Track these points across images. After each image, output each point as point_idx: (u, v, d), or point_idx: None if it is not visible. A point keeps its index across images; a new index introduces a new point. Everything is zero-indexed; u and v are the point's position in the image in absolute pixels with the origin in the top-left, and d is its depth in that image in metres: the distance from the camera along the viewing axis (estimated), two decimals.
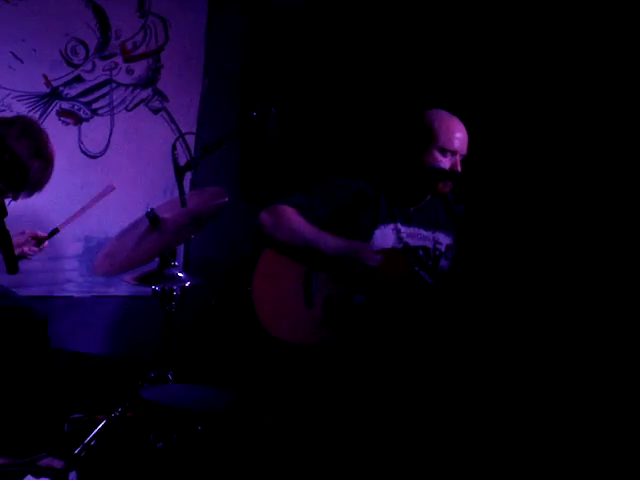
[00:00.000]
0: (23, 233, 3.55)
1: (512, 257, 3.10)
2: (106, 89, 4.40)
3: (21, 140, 3.22)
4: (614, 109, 3.45)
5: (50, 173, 3.34)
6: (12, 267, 2.19)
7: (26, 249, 3.53)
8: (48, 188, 4.17)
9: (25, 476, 3.02)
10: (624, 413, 2.95)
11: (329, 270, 3.25)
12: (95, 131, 4.40)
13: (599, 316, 3.03)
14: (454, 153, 3.25)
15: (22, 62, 4.11)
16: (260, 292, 3.33)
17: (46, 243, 3.65)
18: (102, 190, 3.71)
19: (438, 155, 3.24)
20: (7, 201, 3.63)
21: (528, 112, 3.75)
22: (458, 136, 3.26)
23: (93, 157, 4.40)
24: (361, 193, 3.34)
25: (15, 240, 3.16)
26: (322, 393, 3.16)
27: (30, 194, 3.36)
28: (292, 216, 3.29)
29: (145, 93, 4.53)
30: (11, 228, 2.96)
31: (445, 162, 3.24)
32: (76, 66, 4.28)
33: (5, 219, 2.94)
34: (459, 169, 3.26)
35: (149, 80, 4.53)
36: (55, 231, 3.65)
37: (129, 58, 4.45)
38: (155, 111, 4.57)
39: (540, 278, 3.06)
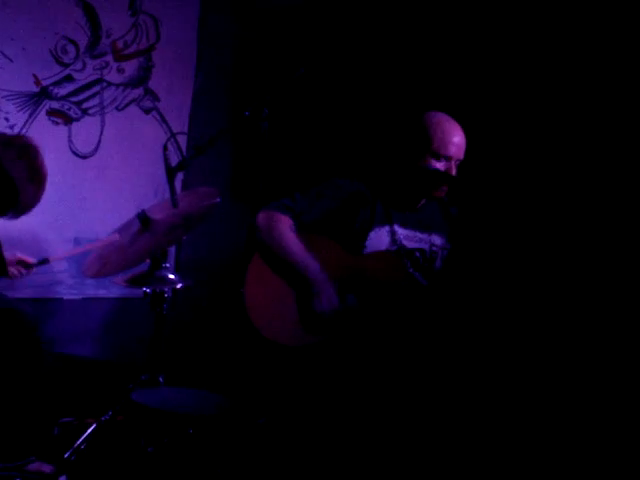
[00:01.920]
0: (14, 254, 3.51)
1: (506, 257, 3.09)
2: (97, 88, 4.37)
3: (17, 163, 3.17)
4: (613, 110, 3.45)
5: (40, 197, 3.29)
6: (1, 269, 2.16)
7: (13, 269, 3.52)
8: None
9: None
10: (624, 413, 2.95)
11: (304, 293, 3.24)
12: (85, 131, 4.37)
13: (596, 313, 3.04)
14: (449, 159, 3.23)
15: (11, 61, 4.08)
16: (252, 294, 3.32)
17: (34, 269, 3.62)
18: (105, 238, 3.66)
19: (432, 160, 3.23)
20: None
21: (524, 112, 3.74)
22: (454, 141, 3.24)
23: (83, 157, 4.37)
24: (358, 194, 3.34)
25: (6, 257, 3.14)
26: (314, 395, 3.15)
27: (16, 217, 3.31)
28: (286, 230, 3.30)
29: (136, 92, 4.50)
30: (3, 228, 2.94)
31: (439, 166, 3.23)
32: (66, 65, 4.25)
33: None
34: (454, 173, 3.25)
35: (140, 79, 4.50)
36: (45, 261, 3.64)
37: (120, 57, 4.42)
38: (146, 111, 4.54)
39: (535, 278, 3.05)
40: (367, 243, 3.30)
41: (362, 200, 3.34)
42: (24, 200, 3.19)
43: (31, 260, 3.58)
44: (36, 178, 3.20)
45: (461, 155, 3.27)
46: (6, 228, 3.51)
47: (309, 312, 3.20)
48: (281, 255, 3.28)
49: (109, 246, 3.42)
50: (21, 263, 3.54)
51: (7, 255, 3.40)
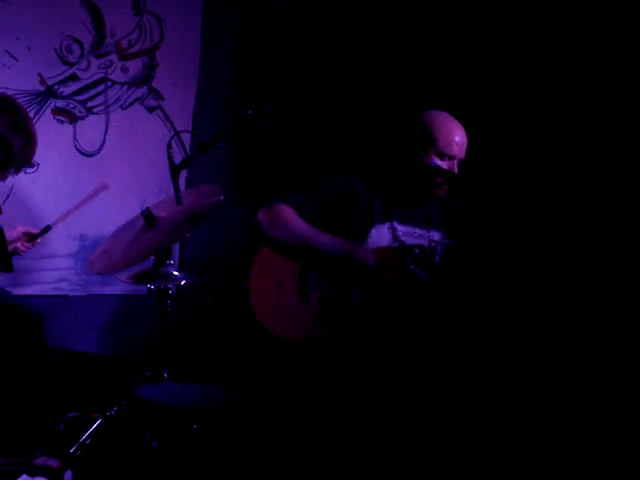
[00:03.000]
0: (15, 229, 3.54)
1: (506, 254, 3.10)
2: (101, 87, 4.39)
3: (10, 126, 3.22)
4: (612, 110, 3.46)
5: (35, 147, 3.34)
6: (7, 265, 2.18)
7: (19, 245, 3.53)
8: (44, 186, 4.21)
9: (20, 475, 3.02)
10: (624, 413, 2.96)
11: (327, 269, 3.24)
12: (90, 129, 4.40)
13: (595, 309, 3.04)
14: (452, 158, 3.25)
15: (17, 60, 4.11)
16: (256, 289, 3.34)
17: (39, 240, 3.64)
18: (95, 188, 3.71)
19: (435, 159, 3.24)
20: (1, 200, 3.64)
21: (523, 111, 3.75)
22: (457, 140, 3.25)
23: (88, 155, 4.40)
24: (358, 192, 3.34)
25: (7, 236, 3.16)
26: (318, 390, 3.17)
27: (18, 170, 3.35)
28: (290, 216, 3.28)
29: (140, 91, 4.52)
30: (5, 226, 2.96)
31: (442, 165, 3.24)
32: (71, 64, 4.28)
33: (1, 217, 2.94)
34: (456, 172, 3.27)
35: (144, 78, 4.52)
36: (47, 228, 3.65)
37: (124, 56, 4.44)
38: (150, 109, 4.56)
39: (534, 275, 3.07)
40: (369, 240, 3.30)
41: (361, 198, 3.34)
42: (19, 152, 3.23)
43: (34, 230, 3.60)
44: (22, 127, 3.25)
45: (462, 154, 3.28)
46: (12, 225, 3.55)
47: (325, 296, 3.21)
48: (291, 238, 3.21)
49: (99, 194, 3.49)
50: (25, 236, 3.56)
51: (10, 233, 3.42)
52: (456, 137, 3.25)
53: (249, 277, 3.37)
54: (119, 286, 4.44)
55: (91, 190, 3.72)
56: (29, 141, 3.29)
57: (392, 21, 4.25)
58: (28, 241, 3.58)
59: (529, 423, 2.99)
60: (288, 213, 3.29)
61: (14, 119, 3.25)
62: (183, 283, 3.26)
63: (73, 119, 4.33)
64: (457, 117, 3.31)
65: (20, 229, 3.55)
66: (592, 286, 3.06)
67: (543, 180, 3.51)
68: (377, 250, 3.26)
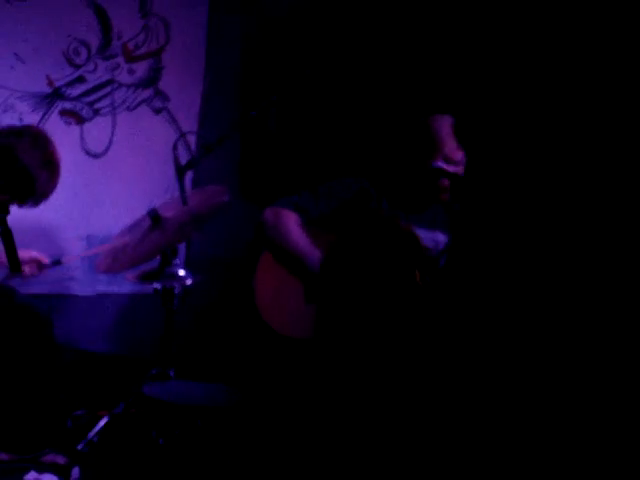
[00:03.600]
0: (29, 251, 3.55)
1: (507, 254, 3.12)
2: (108, 89, 4.41)
3: (30, 152, 3.23)
4: (613, 111, 3.47)
5: (57, 182, 3.35)
6: (15, 266, 2.20)
7: (27, 269, 3.53)
8: None
9: (28, 472, 3.03)
10: (624, 413, 2.97)
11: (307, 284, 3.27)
12: (97, 131, 4.41)
13: (596, 309, 3.05)
14: (458, 163, 3.27)
15: (24, 62, 4.13)
16: (262, 288, 3.37)
17: (46, 270, 3.65)
18: (115, 240, 3.71)
19: (442, 163, 3.26)
20: None
21: (525, 113, 3.76)
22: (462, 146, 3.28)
23: (95, 156, 4.42)
24: (364, 193, 3.37)
25: (20, 255, 3.17)
26: (321, 388, 3.18)
27: (36, 204, 3.37)
28: (293, 226, 3.33)
29: (146, 93, 4.54)
30: (14, 228, 2.98)
31: (447, 169, 3.27)
32: (78, 66, 4.30)
33: (7, 217, 2.96)
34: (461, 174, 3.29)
35: (150, 80, 4.54)
36: (58, 262, 3.65)
37: (131, 58, 4.46)
38: (156, 111, 4.59)
39: (535, 275, 3.08)
40: None
41: (368, 199, 3.37)
42: (40, 187, 3.25)
43: (45, 260, 3.61)
44: (49, 165, 3.27)
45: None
46: (19, 226, 3.57)
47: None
48: (288, 249, 3.31)
49: (120, 247, 3.46)
50: (35, 262, 3.59)
51: (23, 253, 3.45)
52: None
53: (254, 276, 3.39)
54: (126, 285, 4.46)
55: (114, 241, 3.72)
56: (52, 177, 3.31)
57: (398, 22, 4.25)
58: (37, 267, 3.59)
59: (529, 423, 3.00)
60: (292, 221, 3.33)
61: (44, 155, 3.26)
62: (189, 282, 3.29)
63: (80, 120, 4.36)
64: (457, 118, 3.34)
65: (33, 254, 3.55)
66: (592, 286, 3.07)
67: (543, 180, 3.53)
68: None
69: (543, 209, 3.28)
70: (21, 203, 3.31)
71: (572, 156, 3.53)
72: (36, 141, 3.27)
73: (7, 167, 3.19)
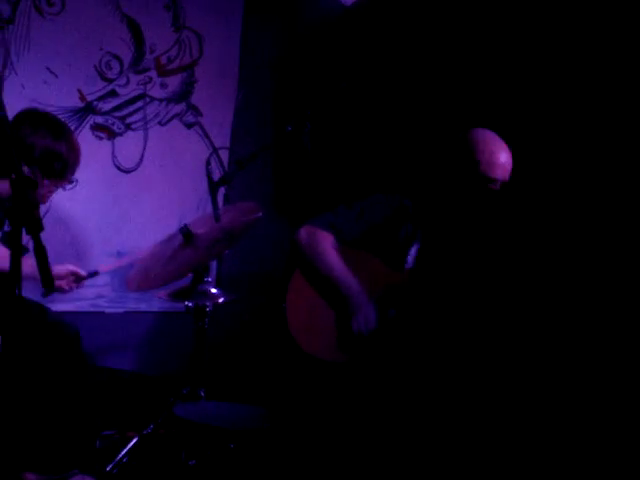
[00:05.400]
0: (65, 266, 3.53)
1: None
2: (140, 103, 4.41)
3: (37, 132, 3.24)
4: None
5: (78, 146, 3.39)
6: (48, 282, 2.17)
7: (64, 283, 3.53)
8: (82, 202, 4.22)
9: None
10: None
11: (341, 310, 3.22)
12: (129, 145, 4.42)
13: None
14: (494, 181, 3.19)
15: (57, 77, 4.14)
16: (293, 308, 3.32)
17: (85, 282, 3.64)
18: (149, 248, 3.68)
19: (477, 181, 3.20)
20: (42, 212, 3.65)
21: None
22: (500, 163, 3.18)
23: (126, 172, 4.41)
24: (400, 210, 3.32)
25: (55, 271, 3.16)
26: (353, 411, 3.14)
27: (72, 176, 3.40)
28: (328, 246, 3.30)
29: (179, 108, 4.53)
30: (47, 242, 2.96)
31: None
32: (110, 80, 4.30)
33: (41, 233, 2.93)
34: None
35: (183, 95, 4.53)
36: (95, 274, 3.65)
37: (163, 72, 4.46)
38: (189, 125, 4.57)
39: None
40: (408, 259, 3.29)
41: (404, 216, 3.32)
42: (69, 156, 3.30)
43: (83, 273, 3.60)
44: (61, 133, 3.28)
45: (507, 177, 3.21)
46: (50, 242, 3.54)
47: (346, 331, 3.20)
48: (322, 272, 3.28)
49: (153, 256, 3.44)
50: (73, 276, 3.57)
51: (59, 268, 3.44)
52: (499, 159, 3.19)
53: (286, 296, 3.35)
54: (156, 303, 4.46)
55: (147, 253, 3.70)
56: (72, 144, 3.36)
57: (433, 36, 4.23)
58: (74, 281, 3.58)
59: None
60: (328, 243, 3.30)
61: (50, 129, 3.28)
62: (221, 301, 3.25)
63: (112, 135, 4.35)
64: (498, 133, 3.26)
65: (70, 268, 3.55)
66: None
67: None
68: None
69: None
70: (62, 180, 3.35)
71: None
72: (35, 121, 3.29)
73: (30, 155, 3.20)
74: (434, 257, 3.26)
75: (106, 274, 4.27)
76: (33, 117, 3.33)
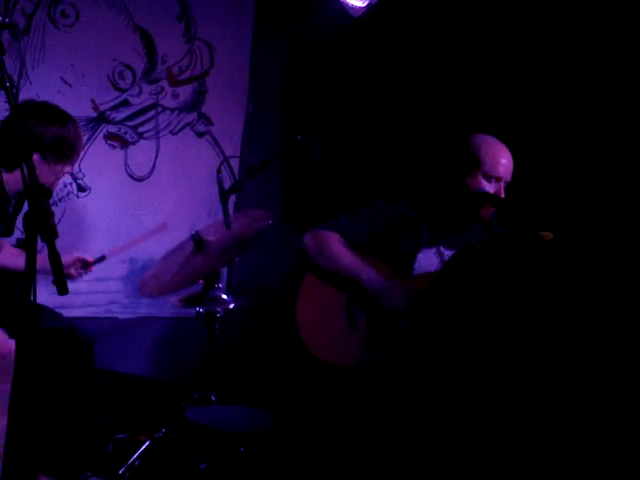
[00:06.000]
0: (71, 254, 3.59)
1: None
2: (152, 113, 4.46)
3: (43, 121, 3.28)
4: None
5: (79, 127, 3.44)
6: (62, 288, 2.22)
7: (72, 270, 3.57)
8: (95, 210, 4.27)
9: None
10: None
11: (364, 301, 3.25)
12: (141, 154, 4.46)
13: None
14: (498, 180, 3.25)
15: (71, 87, 4.18)
16: (303, 314, 3.34)
17: (92, 268, 3.68)
18: (155, 228, 3.74)
19: (482, 181, 3.25)
20: (57, 219, 3.69)
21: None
22: (503, 162, 3.26)
23: (139, 180, 4.46)
24: (404, 216, 3.35)
25: (63, 260, 3.20)
26: (364, 415, 3.15)
27: (77, 159, 3.47)
28: (335, 243, 3.31)
29: (190, 117, 4.57)
30: (61, 249, 3.00)
31: (489, 188, 3.25)
32: (123, 90, 4.35)
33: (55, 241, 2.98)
34: (502, 195, 3.27)
35: (194, 104, 4.58)
36: (102, 258, 3.69)
37: (175, 82, 4.50)
38: (200, 134, 4.61)
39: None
40: (415, 265, 3.30)
41: (407, 223, 3.35)
42: (75, 138, 3.35)
43: (90, 259, 3.64)
44: (63, 118, 3.33)
45: (509, 177, 3.28)
46: (64, 250, 3.59)
47: (373, 322, 3.21)
48: (336, 269, 3.28)
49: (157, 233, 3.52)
50: (80, 262, 3.62)
51: (65, 257, 3.48)
52: (502, 159, 3.27)
53: (296, 301, 3.38)
54: (168, 309, 4.48)
55: (151, 228, 3.75)
56: (75, 125, 3.39)
57: (440, 45, 4.26)
58: (81, 267, 3.62)
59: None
60: (335, 241, 3.31)
61: (53, 116, 3.32)
62: (232, 306, 3.28)
63: (124, 144, 4.40)
64: (502, 140, 3.32)
65: (75, 255, 3.60)
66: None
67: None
68: (426, 275, 3.26)
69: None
70: (70, 162, 3.39)
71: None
72: (37, 112, 3.32)
73: (41, 143, 3.25)
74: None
75: (118, 280, 4.33)
76: (36, 108, 3.36)
